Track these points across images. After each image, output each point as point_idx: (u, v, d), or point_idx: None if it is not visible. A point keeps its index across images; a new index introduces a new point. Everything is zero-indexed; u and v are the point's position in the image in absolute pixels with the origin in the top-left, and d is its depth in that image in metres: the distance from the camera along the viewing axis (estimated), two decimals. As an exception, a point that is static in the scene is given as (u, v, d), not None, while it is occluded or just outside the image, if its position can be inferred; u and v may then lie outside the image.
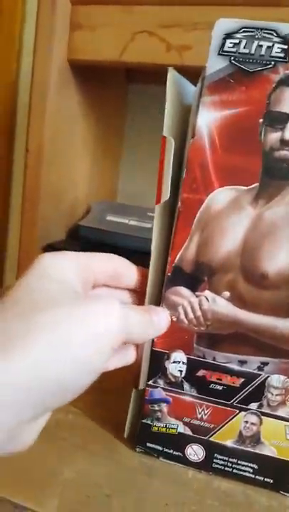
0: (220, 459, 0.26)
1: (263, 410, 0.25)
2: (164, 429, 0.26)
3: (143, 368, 0.25)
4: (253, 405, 0.25)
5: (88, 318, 0.16)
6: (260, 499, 0.25)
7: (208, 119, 0.22)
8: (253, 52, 0.21)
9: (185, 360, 0.25)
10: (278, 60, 0.21)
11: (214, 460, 0.26)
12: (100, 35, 0.41)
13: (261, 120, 0.22)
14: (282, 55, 0.21)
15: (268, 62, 0.21)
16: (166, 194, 0.23)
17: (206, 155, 0.22)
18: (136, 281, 0.23)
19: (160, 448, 0.26)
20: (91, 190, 0.57)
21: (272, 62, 0.21)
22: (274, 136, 0.22)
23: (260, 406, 0.25)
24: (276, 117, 0.22)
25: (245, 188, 0.23)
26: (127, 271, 0.22)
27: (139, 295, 0.24)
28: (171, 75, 0.23)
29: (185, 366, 0.25)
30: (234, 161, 0.22)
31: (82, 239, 0.50)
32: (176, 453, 0.26)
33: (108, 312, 0.17)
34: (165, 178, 0.23)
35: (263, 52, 0.21)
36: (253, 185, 0.22)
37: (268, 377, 0.24)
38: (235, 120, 0.22)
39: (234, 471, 0.26)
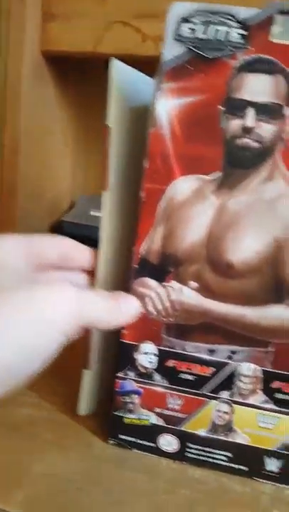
0: (193, 449, 0.26)
1: (234, 399, 0.25)
2: (136, 421, 0.26)
3: (92, 348, 0.26)
4: (224, 394, 0.25)
5: (34, 304, 0.16)
6: (234, 486, 0.25)
7: (167, 106, 0.22)
8: (210, 37, 0.21)
9: (156, 352, 0.25)
10: (237, 45, 0.21)
11: (187, 449, 0.26)
12: (74, 25, 0.41)
13: (221, 107, 0.21)
14: (241, 40, 0.21)
15: (226, 48, 0.21)
16: (111, 182, 0.23)
17: (167, 144, 0.22)
18: (90, 263, 0.23)
19: (133, 439, 0.26)
20: (75, 185, 0.56)
21: (231, 48, 0.21)
22: (235, 124, 0.21)
23: (232, 395, 0.25)
24: (236, 104, 0.21)
25: (208, 177, 0.22)
26: (77, 252, 0.22)
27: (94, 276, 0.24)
28: (114, 64, 0.23)
29: (156, 358, 0.25)
30: (196, 149, 0.22)
31: (65, 235, 0.50)
32: (150, 444, 0.26)
33: (57, 298, 0.17)
34: (110, 166, 0.23)
35: (220, 38, 0.21)
36: (215, 174, 0.22)
37: (238, 365, 0.24)
38: (195, 108, 0.21)
39: (208, 459, 0.26)
